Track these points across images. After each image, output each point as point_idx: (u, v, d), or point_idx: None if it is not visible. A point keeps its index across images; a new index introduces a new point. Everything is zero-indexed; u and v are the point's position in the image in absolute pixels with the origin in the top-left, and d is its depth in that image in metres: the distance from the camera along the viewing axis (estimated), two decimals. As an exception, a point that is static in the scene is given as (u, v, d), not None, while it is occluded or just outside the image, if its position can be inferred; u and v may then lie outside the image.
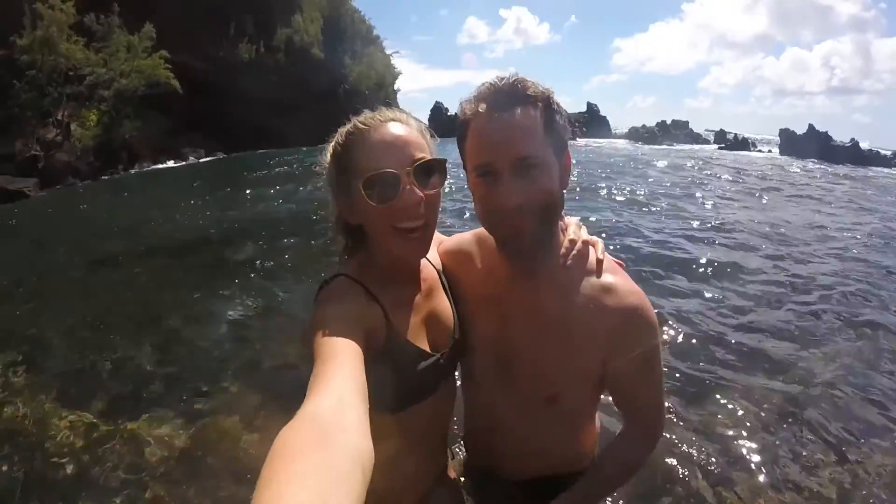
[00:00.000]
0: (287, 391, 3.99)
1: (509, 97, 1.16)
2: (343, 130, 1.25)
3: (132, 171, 30.37)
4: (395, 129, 1.20)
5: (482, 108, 1.18)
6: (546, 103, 1.18)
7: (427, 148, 1.23)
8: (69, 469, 3.35)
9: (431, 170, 1.20)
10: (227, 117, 39.23)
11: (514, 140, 1.15)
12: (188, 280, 7.33)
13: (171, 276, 7.74)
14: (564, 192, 1.27)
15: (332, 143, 1.27)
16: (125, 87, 32.48)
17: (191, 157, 35.32)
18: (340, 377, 0.85)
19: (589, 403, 1.46)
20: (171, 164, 33.09)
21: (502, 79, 1.19)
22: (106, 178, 28.12)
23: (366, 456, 0.69)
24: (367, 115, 1.25)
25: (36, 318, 6.07)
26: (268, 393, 4.11)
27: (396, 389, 1.17)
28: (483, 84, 1.21)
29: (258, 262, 7.86)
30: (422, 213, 1.19)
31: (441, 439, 1.46)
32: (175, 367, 4.75)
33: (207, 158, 35.88)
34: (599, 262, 1.31)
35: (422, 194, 1.17)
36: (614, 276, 1.30)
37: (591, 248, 1.34)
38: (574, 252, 1.30)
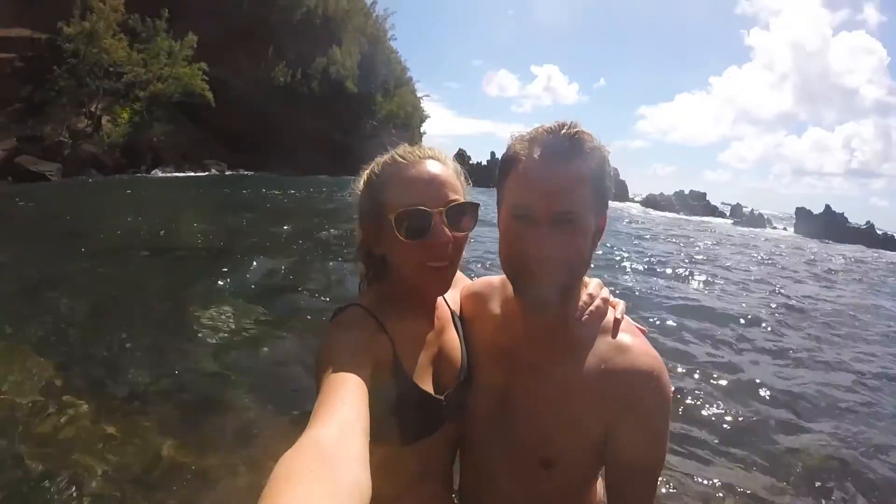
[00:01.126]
0: (283, 408, 3.89)
1: (566, 148, 1.10)
2: (380, 160, 1.24)
3: (154, 174, 30.33)
4: (433, 167, 1.19)
5: (536, 152, 1.12)
6: (600, 162, 1.13)
7: (461, 190, 1.22)
8: (43, 466, 3.19)
9: (464, 212, 1.20)
10: (253, 136, 39.69)
11: (561, 193, 1.09)
12: (186, 288, 7.01)
13: (170, 280, 7.48)
14: (593, 252, 1.21)
15: (368, 171, 1.26)
16: (161, 90, 33.07)
17: (213, 170, 35.48)
18: (345, 406, 0.85)
19: (588, 475, 1.33)
20: (192, 173, 33.04)
21: (563, 125, 1.12)
22: (126, 176, 27.95)
23: (364, 488, 0.69)
24: (405, 148, 1.24)
25: (29, 306, 5.86)
26: (263, 411, 3.93)
27: (395, 424, 1.13)
28: (542, 126, 1.15)
29: (258, 277, 7.64)
30: (449, 253, 1.17)
31: (444, 481, 1.39)
32: (169, 376, 4.51)
33: (229, 172, 36.04)
34: (617, 322, 1.24)
35: (451, 235, 1.16)
36: (631, 338, 1.22)
37: (610, 307, 1.28)
38: (592, 308, 1.23)
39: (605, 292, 1.31)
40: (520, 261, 1.15)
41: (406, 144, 1.26)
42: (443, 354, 1.30)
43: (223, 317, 5.85)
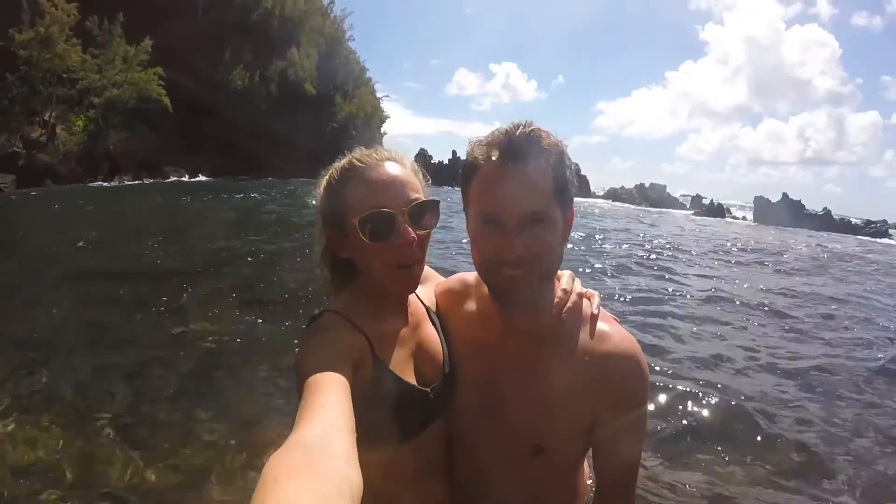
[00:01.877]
0: (271, 417, 3.86)
1: (524, 148, 1.12)
2: (338, 165, 1.25)
3: (111, 184, 29.47)
4: (392, 168, 1.21)
5: (494, 154, 1.13)
6: (559, 157, 1.15)
7: (421, 188, 1.25)
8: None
9: (425, 211, 1.22)
10: (214, 141, 39.21)
11: (525, 194, 1.11)
12: (152, 301, 6.75)
13: (130, 296, 7.14)
14: (564, 246, 1.24)
15: (327, 177, 1.26)
16: (116, 96, 32.16)
17: (172, 177, 34.87)
18: (328, 407, 0.85)
19: (576, 459, 1.39)
20: (150, 180, 32.39)
21: (518, 126, 1.13)
22: (84, 185, 27.33)
23: (354, 484, 0.69)
24: (363, 152, 1.25)
25: None
26: (251, 419, 3.90)
27: (386, 422, 1.14)
28: (498, 129, 1.17)
29: (228, 288, 7.49)
30: (414, 251, 1.20)
31: (441, 479, 1.38)
32: (142, 392, 4.39)
33: (188, 179, 35.41)
34: (594, 316, 1.27)
35: (415, 234, 1.19)
36: (609, 326, 1.26)
37: (585, 300, 1.31)
38: (569, 304, 1.25)
39: (578, 284, 1.33)
40: (493, 264, 1.16)
41: (362, 148, 1.27)
42: (422, 350, 1.31)
43: (191, 328, 5.77)
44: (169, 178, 34.31)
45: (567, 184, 1.16)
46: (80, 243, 10.47)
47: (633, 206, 58.55)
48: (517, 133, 1.12)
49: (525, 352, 1.27)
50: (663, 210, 58.63)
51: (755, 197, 57.48)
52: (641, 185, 73.36)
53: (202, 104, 39.08)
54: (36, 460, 3.36)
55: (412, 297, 1.35)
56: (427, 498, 1.32)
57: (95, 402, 4.10)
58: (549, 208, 1.13)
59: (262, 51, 46.86)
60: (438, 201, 1.27)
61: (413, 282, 1.25)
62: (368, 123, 62.30)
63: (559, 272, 1.31)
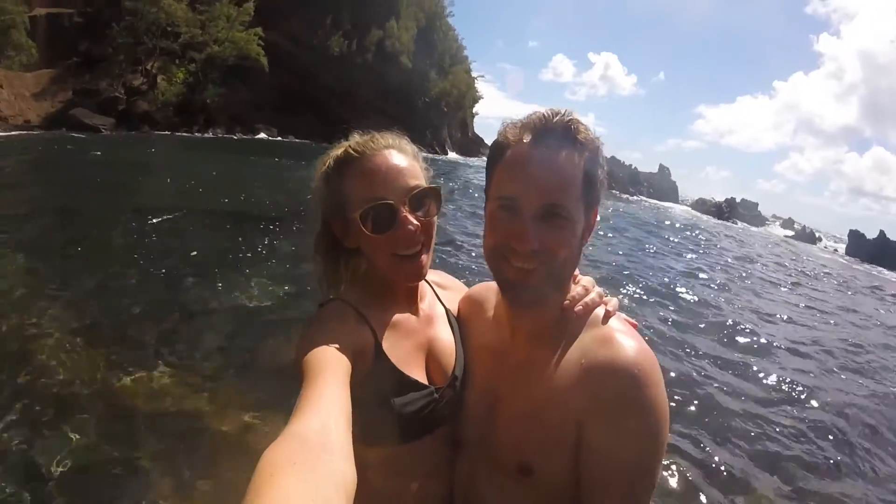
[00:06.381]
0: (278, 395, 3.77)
1: (558, 137, 1.05)
2: (335, 154, 1.21)
3: (206, 135, 30.86)
4: (390, 157, 1.17)
5: (526, 137, 1.07)
6: (593, 154, 1.07)
7: (421, 175, 1.21)
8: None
9: (427, 198, 1.19)
10: (306, 104, 39.83)
11: (550, 184, 1.04)
12: (217, 253, 7.24)
13: (202, 242, 7.64)
14: (582, 250, 1.16)
15: (324, 169, 1.22)
16: (217, 53, 33.35)
17: (262, 133, 35.89)
18: (326, 399, 0.84)
19: (569, 487, 1.13)
20: (241, 136, 33.52)
21: (556, 114, 1.07)
22: (179, 134, 28.56)
23: (349, 480, 0.69)
24: (359, 139, 1.21)
25: (65, 257, 6.32)
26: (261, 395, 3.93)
27: (387, 419, 1.09)
28: (534, 113, 1.10)
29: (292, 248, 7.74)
30: (420, 240, 1.16)
31: (443, 492, 1.28)
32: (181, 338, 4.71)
33: (278, 138, 36.35)
34: (608, 314, 1.14)
35: (419, 223, 1.15)
36: (617, 330, 1.10)
37: (602, 304, 1.19)
38: (587, 299, 1.15)
39: (598, 289, 1.25)
40: (503, 253, 1.09)
41: (358, 134, 1.23)
42: (432, 348, 1.27)
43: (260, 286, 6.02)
44: (259, 134, 35.40)
45: (596, 183, 1.10)
46: (163, 185, 11.66)
47: (714, 220, 54.41)
48: (554, 119, 1.07)
49: (529, 357, 1.19)
50: (755, 229, 55.40)
51: (850, 230, 53.88)
52: (732, 199, 69.40)
53: (298, 67, 39.93)
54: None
55: (429, 294, 1.36)
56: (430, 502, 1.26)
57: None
58: (572, 204, 1.06)
59: (362, 20, 47.19)
60: (440, 187, 1.24)
61: (419, 269, 1.20)
62: (461, 102, 62.13)
63: (579, 276, 1.24)
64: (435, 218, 1.22)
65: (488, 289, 1.40)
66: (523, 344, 1.21)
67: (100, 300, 5.20)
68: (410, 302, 1.29)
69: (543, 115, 1.08)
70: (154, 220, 8.29)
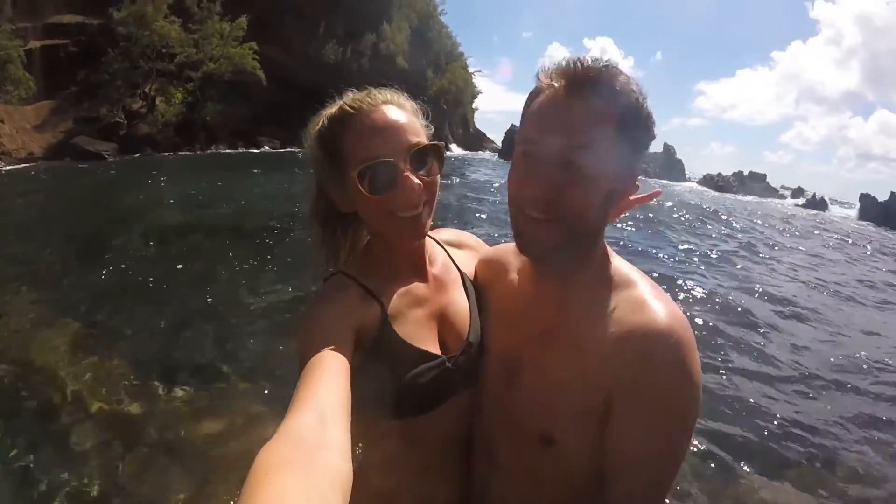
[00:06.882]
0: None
1: (590, 80, 0.97)
2: (327, 113, 1.14)
3: (208, 151, 31.08)
4: (389, 112, 1.10)
5: (559, 82, 0.99)
6: (632, 106, 0.98)
7: (422, 132, 1.14)
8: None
9: (428, 155, 1.12)
10: (305, 114, 39.41)
11: (573, 130, 0.96)
12: (230, 270, 7.29)
13: (217, 260, 7.75)
14: (604, 225, 1.10)
15: (317, 128, 1.15)
16: (213, 70, 33.59)
17: (266, 147, 36.00)
18: (324, 391, 0.82)
19: (594, 460, 1.08)
20: (243, 150, 33.87)
21: (595, 60, 1.00)
22: (182, 153, 28.77)
23: (345, 477, 0.69)
24: (354, 96, 1.14)
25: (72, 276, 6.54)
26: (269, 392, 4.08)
27: (393, 392, 1.07)
28: (573, 58, 1.02)
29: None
30: (422, 199, 1.11)
31: (461, 463, 1.28)
32: (191, 349, 4.85)
33: (282, 150, 36.35)
34: (637, 282, 1.09)
35: (420, 182, 1.09)
36: (652, 296, 1.04)
37: (631, 266, 1.16)
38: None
39: None
40: (516, 202, 1.07)
41: (353, 91, 1.16)
42: (446, 317, 1.23)
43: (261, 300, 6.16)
44: (263, 147, 35.57)
45: (636, 143, 1.01)
46: (171, 205, 11.83)
47: (729, 195, 53.76)
48: (591, 64, 0.99)
49: (553, 323, 1.14)
50: (764, 200, 54.80)
51: (861, 194, 53.36)
52: (740, 172, 69.28)
53: (296, 77, 39.86)
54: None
55: (441, 256, 1.32)
56: (445, 483, 1.26)
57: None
58: (598, 157, 0.97)
59: (355, 25, 47.28)
60: (442, 143, 1.18)
61: (421, 230, 1.15)
62: (460, 98, 62.03)
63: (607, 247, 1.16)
64: (437, 177, 1.16)
65: (507, 251, 1.34)
66: (548, 309, 1.15)
67: (117, 325, 5.25)
68: (418, 268, 1.24)
69: (579, 59, 1.01)
70: (157, 243, 8.43)
